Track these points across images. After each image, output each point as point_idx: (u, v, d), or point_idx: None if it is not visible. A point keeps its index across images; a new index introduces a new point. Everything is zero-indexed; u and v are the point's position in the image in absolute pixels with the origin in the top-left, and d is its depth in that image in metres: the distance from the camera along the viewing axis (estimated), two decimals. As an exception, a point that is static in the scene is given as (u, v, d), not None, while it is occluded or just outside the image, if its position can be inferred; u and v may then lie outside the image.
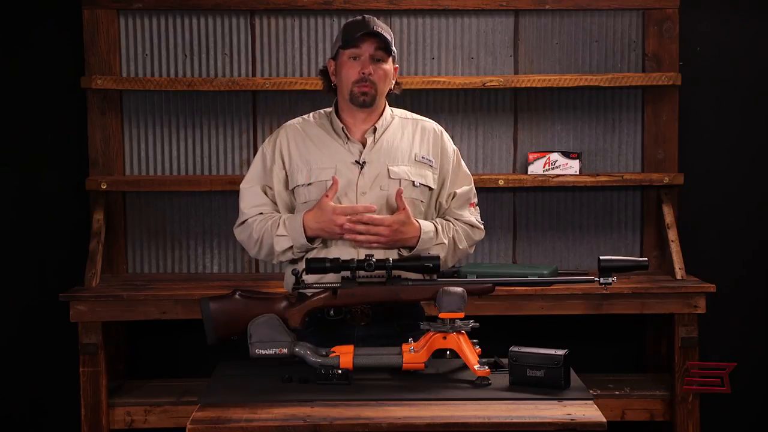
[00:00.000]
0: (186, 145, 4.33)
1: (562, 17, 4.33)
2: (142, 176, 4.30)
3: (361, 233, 2.79)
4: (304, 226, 2.83)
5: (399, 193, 2.83)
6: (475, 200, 3.03)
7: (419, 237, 2.84)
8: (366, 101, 2.89)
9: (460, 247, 2.94)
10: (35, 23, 4.29)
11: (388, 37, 2.88)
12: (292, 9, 4.27)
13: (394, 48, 2.91)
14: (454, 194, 2.98)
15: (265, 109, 4.33)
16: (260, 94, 4.32)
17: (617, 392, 4.13)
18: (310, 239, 2.84)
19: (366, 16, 2.92)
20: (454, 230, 2.93)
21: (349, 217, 2.78)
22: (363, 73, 2.86)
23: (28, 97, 4.31)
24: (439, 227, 2.90)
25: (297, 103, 4.29)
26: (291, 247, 2.86)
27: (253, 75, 4.30)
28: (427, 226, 2.87)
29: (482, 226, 3.03)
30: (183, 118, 4.33)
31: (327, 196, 2.82)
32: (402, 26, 4.30)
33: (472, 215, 3.00)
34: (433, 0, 4.26)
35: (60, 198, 4.35)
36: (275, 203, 2.95)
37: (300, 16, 4.30)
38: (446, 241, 2.89)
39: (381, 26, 2.89)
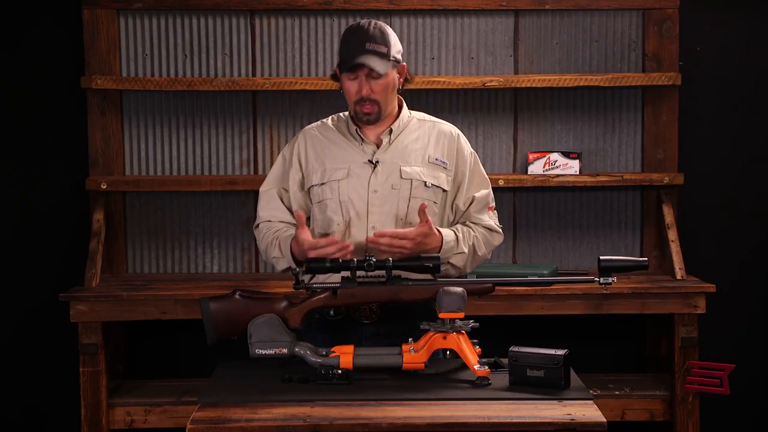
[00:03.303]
0: (186, 145, 4.34)
1: (562, 17, 4.33)
2: (142, 176, 4.30)
3: (383, 246, 2.75)
4: (292, 253, 2.85)
5: (423, 208, 2.80)
6: (493, 204, 3.02)
7: (441, 247, 2.83)
8: (370, 120, 2.90)
9: (479, 254, 2.93)
10: (35, 23, 4.29)
11: (385, 49, 2.84)
12: (292, 9, 4.27)
13: (394, 55, 2.88)
14: (473, 198, 2.97)
15: (265, 109, 4.33)
16: (260, 94, 4.32)
17: (617, 392, 4.13)
18: (300, 263, 2.85)
19: (362, 24, 2.87)
20: (474, 237, 2.92)
21: (319, 250, 2.74)
22: (361, 95, 2.86)
23: (28, 97, 4.31)
24: (460, 235, 2.88)
25: (297, 103, 4.29)
26: (289, 267, 2.87)
27: (253, 75, 4.30)
28: (448, 235, 2.85)
29: (501, 230, 3.01)
30: (183, 118, 4.33)
31: (300, 228, 2.80)
32: (402, 26, 4.30)
33: (491, 219, 2.99)
34: (433, 0, 4.26)
35: (60, 198, 4.35)
36: (289, 207, 2.97)
37: (300, 16, 4.30)
38: (466, 250, 2.88)
39: (376, 39, 2.83)
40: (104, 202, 4.23)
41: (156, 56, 4.29)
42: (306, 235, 2.79)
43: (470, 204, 2.96)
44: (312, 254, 2.75)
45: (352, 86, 2.88)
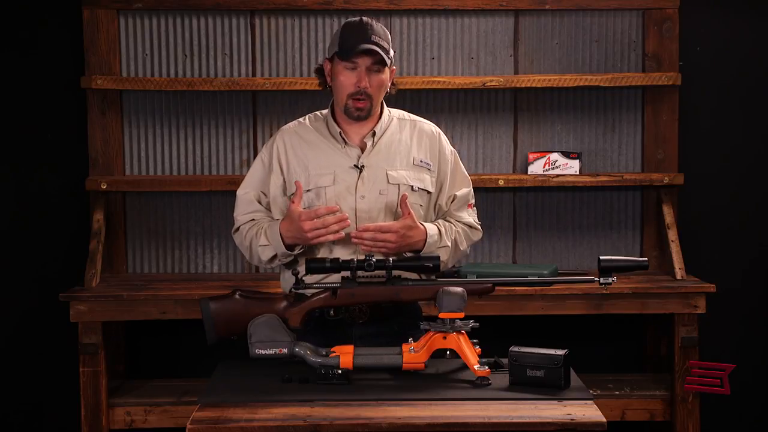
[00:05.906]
0: (186, 145, 4.34)
1: (562, 17, 4.33)
2: (142, 176, 4.30)
3: (368, 240, 2.77)
4: (281, 235, 2.83)
5: (404, 199, 2.82)
6: (473, 201, 3.03)
7: (425, 241, 2.83)
8: (361, 116, 2.88)
9: (461, 248, 2.95)
10: (35, 23, 4.29)
11: (386, 45, 2.85)
12: (292, 9, 4.27)
13: (391, 54, 2.89)
14: (454, 197, 2.98)
15: (265, 109, 4.33)
16: (260, 94, 4.32)
17: (617, 392, 4.13)
18: (289, 246, 2.83)
19: (364, 20, 2.88)
20: (455, 232, 2.93)
21: (316, 220, 2.75)
22: (359, 87, 2.85)
23: (28, 97, 4.31)
24: (443, 229, 2.90)
25: (297, 103, 4.29)
26: (276, 255, 2.86)
27: (253, 75, 4.30)
28: (431, 229, 2.86)
29: (480, 227, 3.03)
30: (183, 118, 4.33)
31: (293, 202, 2.80)
32: (402, 26, 4.30)
33: (470, 216, 3.01)
34: (433, 0, 4.26)
35: (60, 198, 4.35)
36: (269, 210, 2.95)
37: (300, 16, 4.30)
38: (449, 243, 2.90)
39: (379, 34, 2.85)
40: (104, 202, 4.23)
41: (156, 56, 4.29)
42: (298, 207, 2.77)
43: (451, 202, 2.97)
44: (308, 225, 2.74)
45: (348, 78, 2.85)
